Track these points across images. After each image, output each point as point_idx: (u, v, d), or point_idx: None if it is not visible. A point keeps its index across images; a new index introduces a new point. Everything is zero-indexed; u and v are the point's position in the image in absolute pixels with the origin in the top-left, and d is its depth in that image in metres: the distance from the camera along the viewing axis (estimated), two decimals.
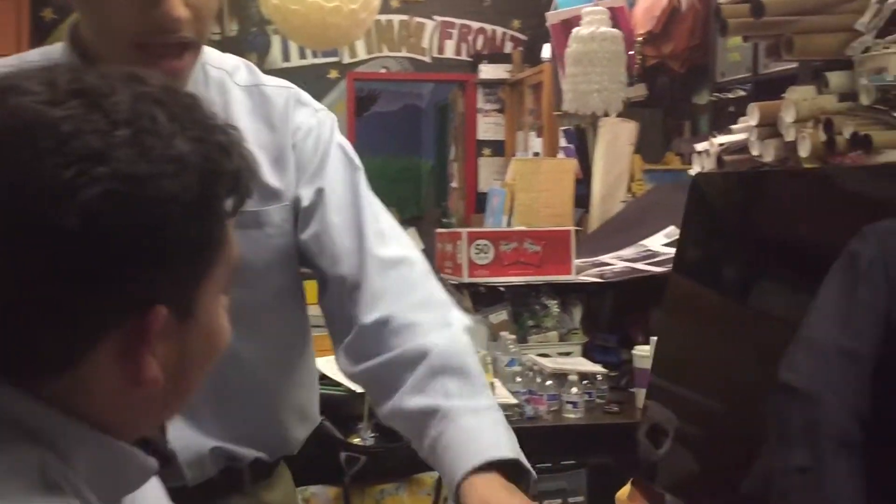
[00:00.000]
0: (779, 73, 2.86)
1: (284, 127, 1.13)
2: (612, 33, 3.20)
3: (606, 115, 3.11)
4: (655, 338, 0.68)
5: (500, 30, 5.58)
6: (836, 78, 2.41)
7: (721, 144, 2.78)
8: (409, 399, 1.00)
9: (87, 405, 0.57)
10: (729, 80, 3.19)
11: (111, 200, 0.52)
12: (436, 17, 5.54)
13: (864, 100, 2.23)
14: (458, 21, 5.56)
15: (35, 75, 0.56)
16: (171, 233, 0.55)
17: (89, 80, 0.56)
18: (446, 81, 5.93)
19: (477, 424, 0.95)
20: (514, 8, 5.44)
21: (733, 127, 2.71)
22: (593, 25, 3.16)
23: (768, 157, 2.55)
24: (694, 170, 3.04)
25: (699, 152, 3.00)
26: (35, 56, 1.09)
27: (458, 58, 5.61)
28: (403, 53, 5.51)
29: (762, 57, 2.96)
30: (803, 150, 2.37)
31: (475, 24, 5.57)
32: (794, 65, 2.68)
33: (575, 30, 3.28)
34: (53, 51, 1.08)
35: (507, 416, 2.04)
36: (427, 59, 5.60)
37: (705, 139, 3.20)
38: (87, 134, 0.53)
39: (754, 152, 2.60)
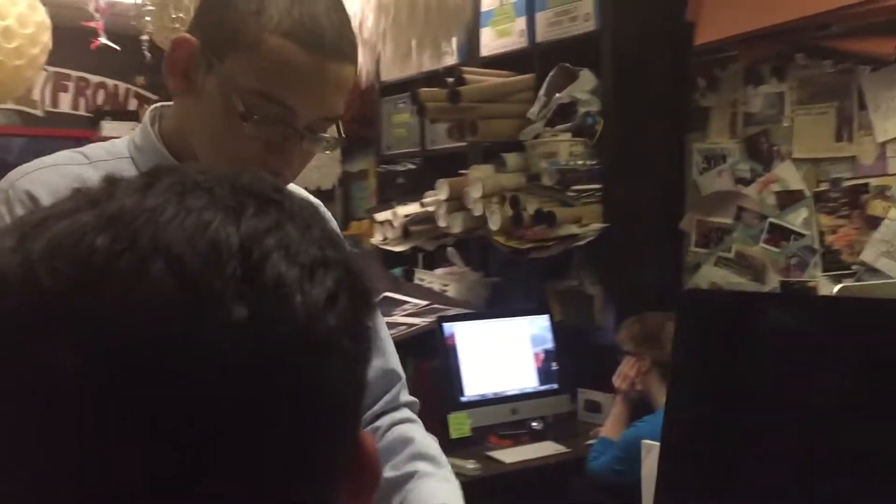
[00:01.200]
0: (446, 150, 3.12)
1: None
2: None
3: (319, 189, 3.12)
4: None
5: (123, 85, 5.28)
6: (511, 158, 2.71)
7: (406, 216, 2.95)
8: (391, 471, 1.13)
9: None
10: (395, 153, 3.39)
11: (352, 305, 0.42)
12: (48, 68, 5.06)
13: (547, 181, 2.54)
14: (73, 73, 5.15)
15: (170, 197, 0.40)
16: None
17: (245, 180, 0.44)
18: (64, 138, 5.42)
19: (441, 486, 1.10)
20: (137, 64, 5.19)
21: (424, 200, 2.89)
22: None
23: (456, 229, 2.78)
24: (376, 238, 3.18)
25: (380, 222, 3.15)
26: (101, 153, 1.02)
27: (76, 113, 5.19)
28: (10, 106, 4.95)
29: (429, 133, 3.21)
30: (493, 224, 2.63)
31: (94, 78, 5.20)
32: (464, 143, 2.96)
33: None
34: (119, 146, 1.03)
35: None
36: (39, 112, 5.09)
37: (378, 208, 3.36)
38: (297, 245, 0.41)
39: (441, 224, 2.81)
